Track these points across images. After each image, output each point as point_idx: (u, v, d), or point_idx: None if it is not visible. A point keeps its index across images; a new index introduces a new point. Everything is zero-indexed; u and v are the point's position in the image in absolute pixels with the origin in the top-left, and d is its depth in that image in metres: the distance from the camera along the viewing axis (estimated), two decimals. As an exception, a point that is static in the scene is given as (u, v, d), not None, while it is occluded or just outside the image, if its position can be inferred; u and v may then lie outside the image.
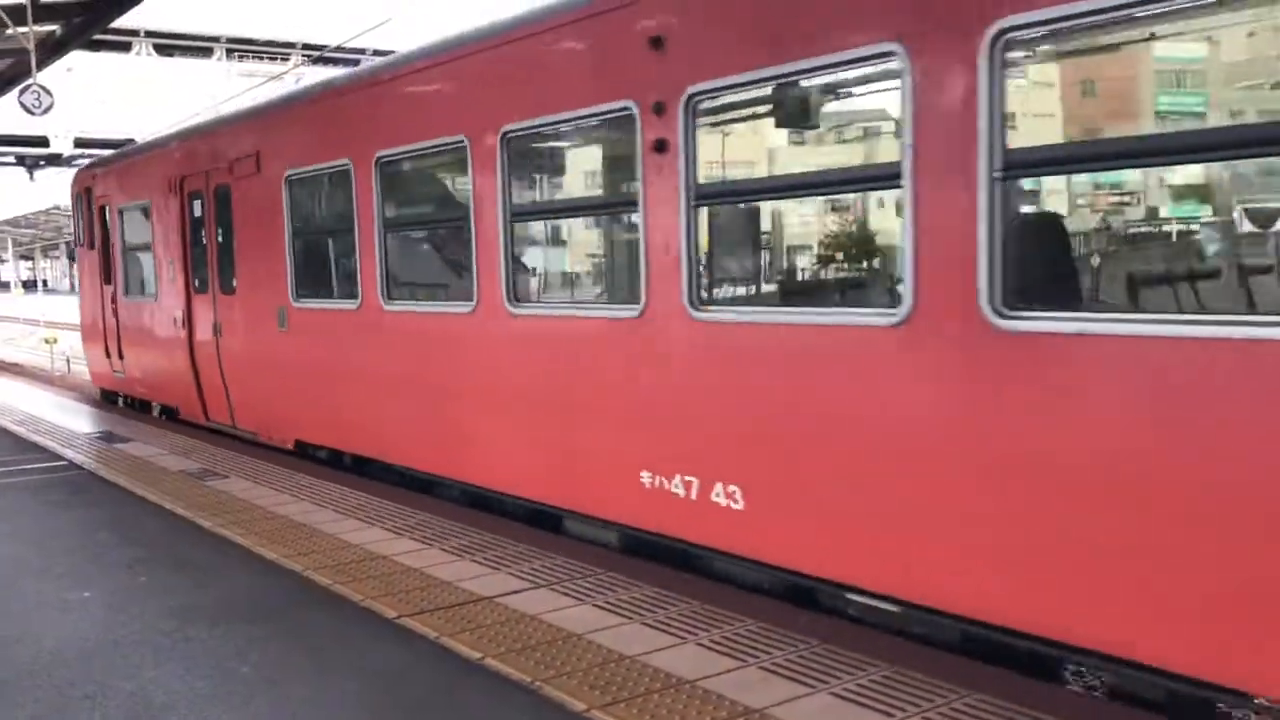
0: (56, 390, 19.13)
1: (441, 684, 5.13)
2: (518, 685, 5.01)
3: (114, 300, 15.81)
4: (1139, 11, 4.35)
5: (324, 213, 10.47)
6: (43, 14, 17.27)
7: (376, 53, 24.26)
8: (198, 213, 12.75)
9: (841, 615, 5.98)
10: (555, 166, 8.19)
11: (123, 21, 21.43)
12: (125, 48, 44.31)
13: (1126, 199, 6.43)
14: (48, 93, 17.29)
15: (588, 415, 7.24)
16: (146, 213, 14.30)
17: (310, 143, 10.33)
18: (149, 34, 45.30)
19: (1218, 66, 5.31)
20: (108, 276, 16.01)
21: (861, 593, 5.79)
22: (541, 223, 8.22)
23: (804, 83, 5.94)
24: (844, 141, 6.48)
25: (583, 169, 7.91)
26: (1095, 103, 5.85)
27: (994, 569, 4.99)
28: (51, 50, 19.50)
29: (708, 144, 6.34)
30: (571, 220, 8.23)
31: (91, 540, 8.10)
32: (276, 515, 8.49)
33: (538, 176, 8.09)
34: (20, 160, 31.30)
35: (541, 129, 7.55)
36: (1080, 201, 6.07)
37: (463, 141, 8.03)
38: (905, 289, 5.14)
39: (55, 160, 29.82)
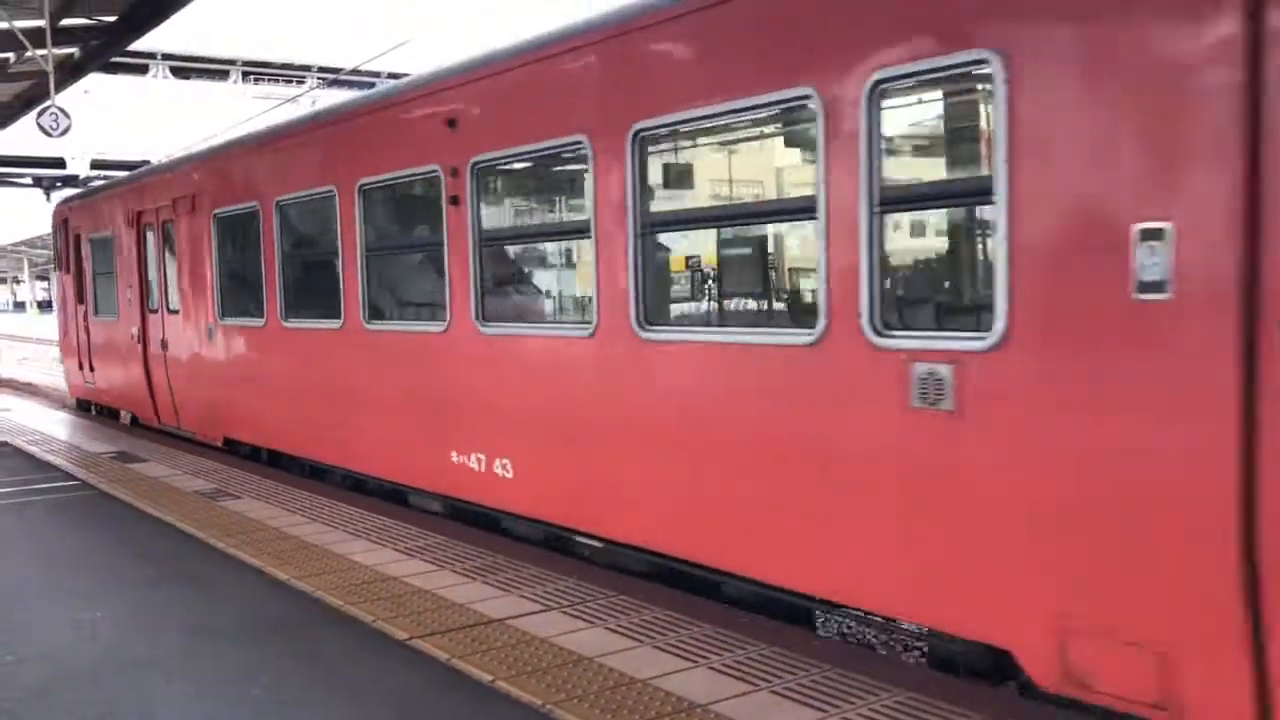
0: (70, 410, 19.20)
1: (452, 706, 5.11)
2: (529, 708, 4.99)
3: (85, 319, 17.83)
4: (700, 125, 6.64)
5: (240, 245, 12.36)
6: (61, 37, 17.43)
7: (391, 75, 24.44)
8: (150, 243, 14.90)
9: (852, 640, 5.96)
10: (393, 214, 10.06)
11: (140, 44, 21.60)
12: (142, 70, 44.74)
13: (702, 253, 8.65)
14: (65, 115, 17.43)
15: (415, 409, 9.19)
16: (111, 242, 16.30)
17: (231, 187, 12.41)
18: (166, 57, 45.74)
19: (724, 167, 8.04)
20: (80, 298, 18.00)
21: (590, 537, 7.72)
22: (390, 256, 10.30)
23: (537, 159, 8.11)
24: (564, 204, 8.72)
25: (410, 217, 9.80)
26: (690, 183, 8.19)
27: (657, 510, 6.91)
28: (70, 73, 19.67)
29: (488, 199, 8.59)
30: (406, 255, 10.24)
31: (104, 560, 8.12)
32: (289, 536, 8.50)
33: (382, 221, 9.94)
34: (37, 181, 31.52)
35: (383, 184, 9.50)
36: (687, 253, 8.45)
37: (332, 191, 10.10)
38: (593, 313, 7.18)
39: (72, 181, 30.03)
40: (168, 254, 14.22)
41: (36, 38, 16.37)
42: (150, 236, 14.81)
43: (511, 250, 9.33)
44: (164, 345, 14.40)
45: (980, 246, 6.03)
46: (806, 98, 5.63)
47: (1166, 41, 4.26)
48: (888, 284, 5.68)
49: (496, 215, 8.97)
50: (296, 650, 5.94)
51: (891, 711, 4.81)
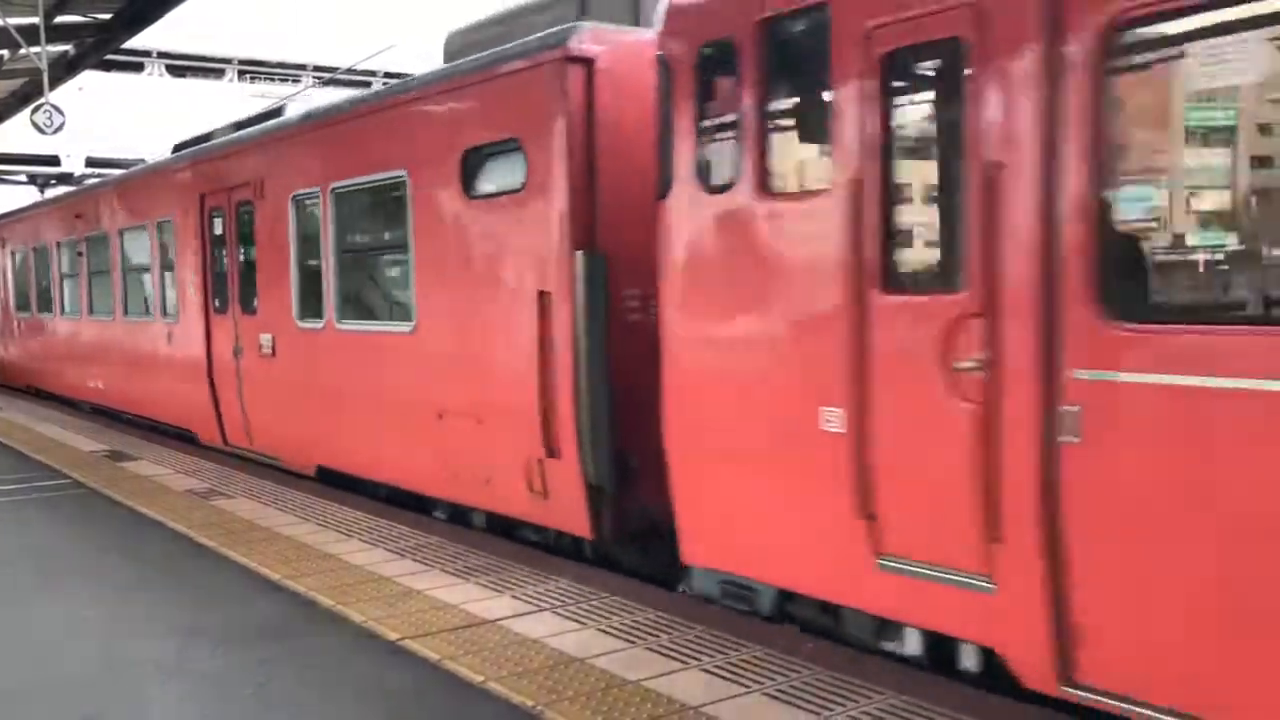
0: (61, 409, 19.15)
1: (443, 708, 5.09)
2: (520, 709, 4.97)
3: None
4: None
5: (30, 269, 20.70)
6: (56, 34, 17.38)
7: (387, 75, 24.36)
8: None
9: (837, 639, 5.93)
10: (89, 258, 17.30)
11: (135, 42, 21.57)
12: (137, 68, 44.56)
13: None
14: (59, 112, 17.39)
15: (78, 359, 17.78)
16: None
17: (19, 235, 21.19)
18: (161, 55, 45.57)
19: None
20: None
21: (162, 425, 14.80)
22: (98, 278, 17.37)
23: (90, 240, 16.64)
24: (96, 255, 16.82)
25: (76, 261, 17.78)
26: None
27: (124, 393, 15.95)
28: (64, 70, 19.63)
29: (93, 256, 16.83)
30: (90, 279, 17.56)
31: (96, 559, 8.10)
32: (281, 535, 8.47)
33: (80, 259, 17.84)
34: (32, 179, 31.39)
35: (68, 241, 18.01)
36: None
37: (46, 245, 19.07)
38: (116, 308, 15.93)
39: (66, 179, 29.92)
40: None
41: (31, 35, 16.33)
42: None
43: (100, 279, 16.30)
44: (2, 331, 23.21)
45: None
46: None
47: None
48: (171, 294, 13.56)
49: (98, 262, 16.42)
50: (288, 650, 5.92)
51: (884, 714, 4.80)
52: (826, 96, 5.29)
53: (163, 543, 8.48)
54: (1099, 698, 4.36)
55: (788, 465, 5.55)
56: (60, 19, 17.11)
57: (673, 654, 5.62)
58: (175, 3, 16.51)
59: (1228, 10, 4.06)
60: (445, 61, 8.70)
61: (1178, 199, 5.26)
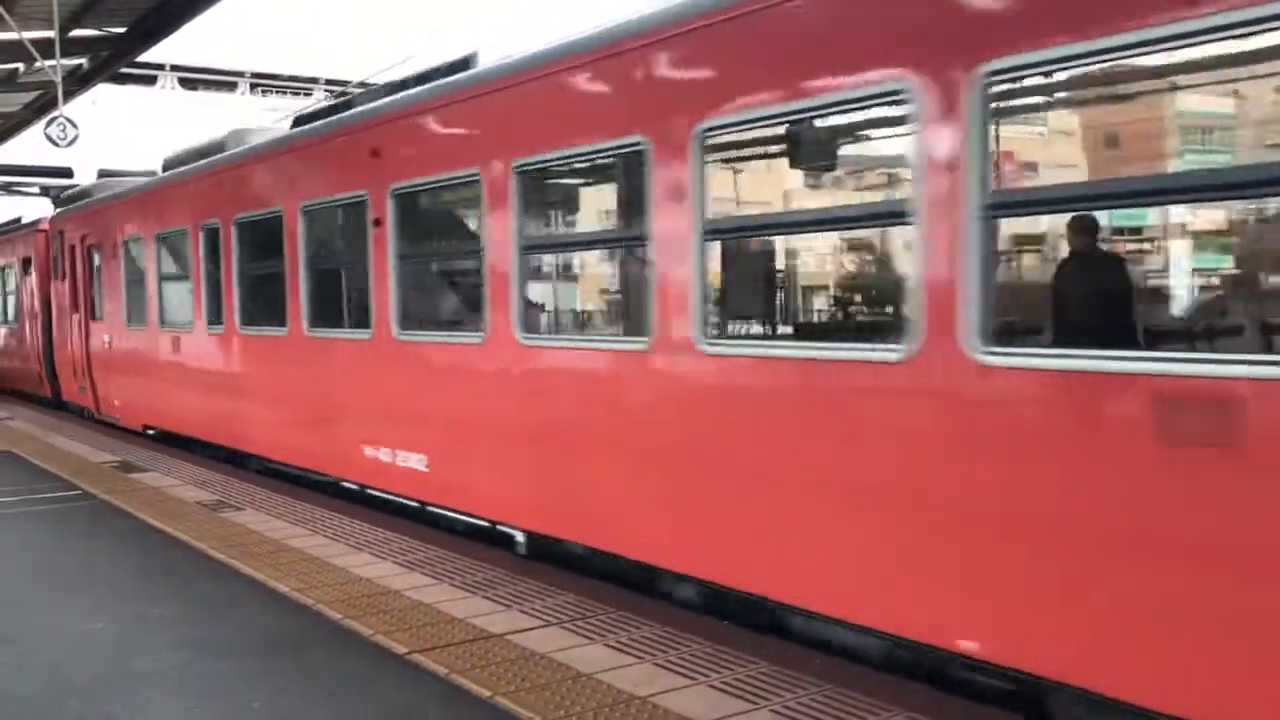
0: (65, 418, 19.22)
1: (451, 722, 5.09)
2: (527, 725, 4.98)
3: None
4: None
5: None
6: (70, 47, 17.52)
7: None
8: None
9: (850, 656, 5.94)
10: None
11: (149, 56, 21.71)
12: (150, 81, 44.79)
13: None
14: (73, 125, 17.51)
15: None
16: None
17: None
18: (174, 68, 45.84)
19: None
20: None
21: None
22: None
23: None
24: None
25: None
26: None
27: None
28: (78, 83, 19.78)
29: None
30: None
31: (105, 571, 8.11)
32: (290, 548, 8.49)
33: None
34: (44, 191, 31.55)
35: None
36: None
37: None
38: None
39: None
40: None
41: (45, 48, 16.45)
42: None
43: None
44: None
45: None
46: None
47: None
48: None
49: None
50: (295, 664, 5.93)
51: (891, 732, 4.79)
52: (71, 257, 18.75)
53: (172, 555, 8.50)
54: (110, 417, 17.27)
55: (79, 366, 18.50)
56: (75, 32, 17.25)
57: (680, 670, 5.61)
58: (190, 16, 16.64)
59: None
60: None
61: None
